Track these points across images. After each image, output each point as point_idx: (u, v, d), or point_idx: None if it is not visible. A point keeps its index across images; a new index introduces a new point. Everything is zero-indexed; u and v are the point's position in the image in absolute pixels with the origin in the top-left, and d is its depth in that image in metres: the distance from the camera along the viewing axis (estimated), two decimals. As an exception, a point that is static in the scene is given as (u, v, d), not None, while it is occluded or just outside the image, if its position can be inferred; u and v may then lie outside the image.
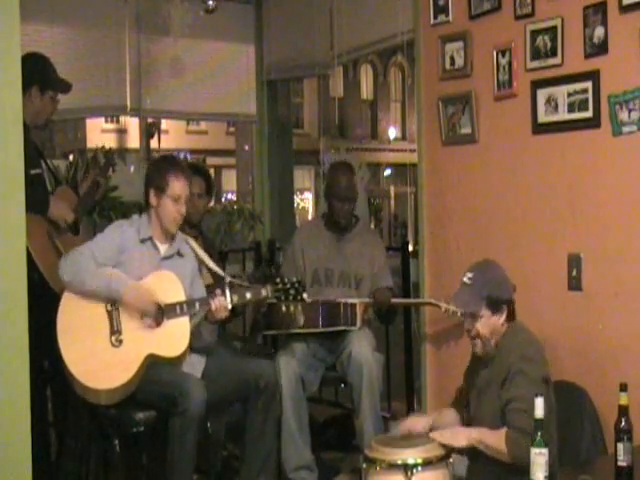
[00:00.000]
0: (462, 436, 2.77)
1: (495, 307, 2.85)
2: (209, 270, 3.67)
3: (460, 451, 2.82)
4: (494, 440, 2.68)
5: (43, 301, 3.18)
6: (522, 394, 2.67)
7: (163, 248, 3.46)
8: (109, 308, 3.27)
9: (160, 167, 3.47)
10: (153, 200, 3.41)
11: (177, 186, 3.38)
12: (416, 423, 3.01)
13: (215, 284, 3.64)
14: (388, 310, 4.01)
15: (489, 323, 2.85)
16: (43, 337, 3.08)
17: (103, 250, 3.31)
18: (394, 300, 3.99)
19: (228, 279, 3.48)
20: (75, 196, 3.78)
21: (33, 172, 3.43)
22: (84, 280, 3.23)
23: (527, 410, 2.57)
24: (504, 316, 2.87)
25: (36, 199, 3.26)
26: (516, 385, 2.72)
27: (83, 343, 3.21)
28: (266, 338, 4.55)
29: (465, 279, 2.89)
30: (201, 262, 3.60)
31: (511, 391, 2.72)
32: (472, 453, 2.84)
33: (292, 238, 4.26)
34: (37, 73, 3.56)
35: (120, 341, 3.23)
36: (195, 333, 3.36)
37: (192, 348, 3.36)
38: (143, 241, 3.41)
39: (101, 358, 3.20)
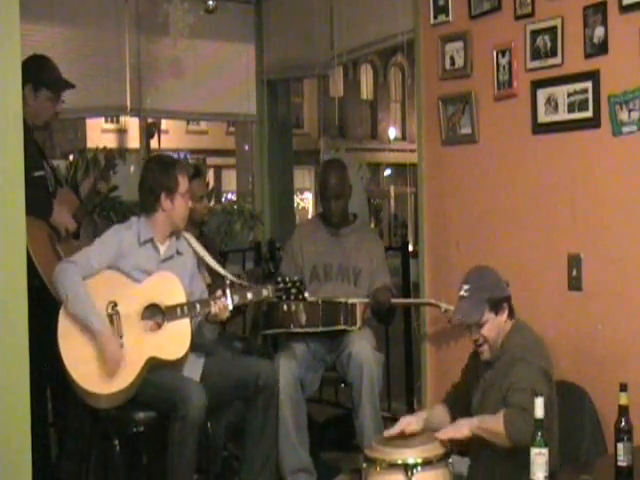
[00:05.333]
0: (464, 426, 2.76)
1: (497, 308, 2.90)
2: (208, 269, 3.67)
3: (461, 451, 2.82)
4: (492, 422, 2.67)
5: (44, 306, 3.18)
6: (521, 376, 2.70)
7: (163, 248, 3.44)
8: (110, 311, 3.24)
9: (163, 169, 3.43)
10: (166, 204, 3.39)
11: (184, 181, 3.43)
12: (408, 424, 2.95)
13: (214, 283, 3.63)
14: (387, 310, 4.01)
15: (494, 325, 2.89)
16: (43, 341, 3.07)
17: (100, 256, 3.30)
18: (394, 300, 3.99)
19: (229, 279, 3.48)
20: (76, 199, 3.75)
21: (36, 174, 3.40)
22: (66, 294, 3.20)
23: (525, 388, 2.61)
24: (506, 313, 2.92)
25: (39, 203, 3.24)
26: (516, 371, 2.74)
27: (84, 347, 3.19)
28: (266, 338, 4.54)
29: (462, 292, 2.92)
30: (200, 259, 3.60)
31: (510, 377, 2.74)
32: (473, 453, 2.84)
33: (291, 236, 4.27)
34: (30, 72, 3.49)
35: (121, 345, 3.22)
36: (196, 331, 3.36)
37: (192, 346, 3.36)
38: (143, 243, 3.39)
39: (102, 362, 3.18)
